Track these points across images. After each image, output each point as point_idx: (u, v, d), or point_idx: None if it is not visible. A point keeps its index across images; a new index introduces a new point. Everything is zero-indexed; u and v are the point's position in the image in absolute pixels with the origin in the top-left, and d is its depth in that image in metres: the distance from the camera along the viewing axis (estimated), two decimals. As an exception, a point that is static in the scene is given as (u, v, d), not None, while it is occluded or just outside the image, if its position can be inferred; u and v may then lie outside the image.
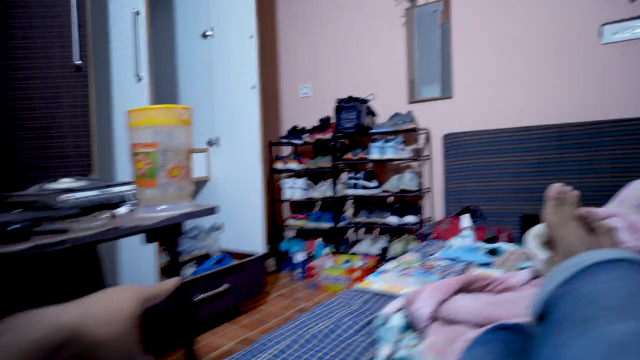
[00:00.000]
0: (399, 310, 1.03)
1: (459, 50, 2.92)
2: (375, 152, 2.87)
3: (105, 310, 0.42)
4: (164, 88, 3.06)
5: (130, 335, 0.43)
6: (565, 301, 0.45)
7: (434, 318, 0.91)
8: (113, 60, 1.97)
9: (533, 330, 0.51)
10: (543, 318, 0.49)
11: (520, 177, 2.65)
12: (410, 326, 0.96)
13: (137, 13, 1.84)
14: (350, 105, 2.94)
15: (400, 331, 0.95)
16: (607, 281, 0.43)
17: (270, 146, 3.51)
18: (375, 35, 3.26)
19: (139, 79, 1.84)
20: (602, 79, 2.48)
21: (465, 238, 1.46)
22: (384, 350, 0.87)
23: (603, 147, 2.40)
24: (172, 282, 0.54)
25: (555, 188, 1.01)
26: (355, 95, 3.24)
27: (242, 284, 2.51)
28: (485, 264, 1.39)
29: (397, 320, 0.98)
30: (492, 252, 1.53)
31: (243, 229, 2.72)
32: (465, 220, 1.48)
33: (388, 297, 1.19)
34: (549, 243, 1.08)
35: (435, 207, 3.07)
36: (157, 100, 3.04)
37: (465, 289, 0.97)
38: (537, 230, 1.09)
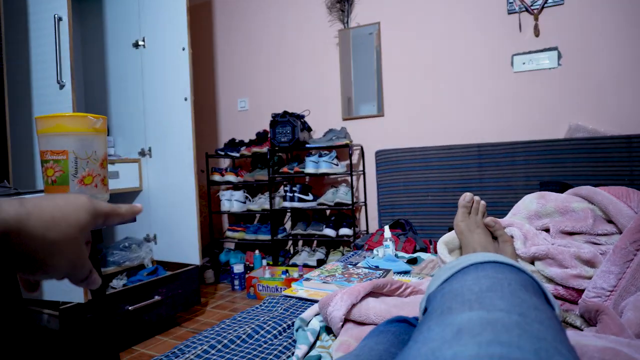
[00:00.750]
0: (317, 314, 1.09)
1: (388, 71, 3.09)
2: (310, 166, 2.94)
3: (52, 211, 0.39)
4: (94, 96, 2.96)
5: (79, 243, 0.41)
6: (438, 297, 0.52)
7: (347, 320, 0.96)
8: (33, 66, 1.89)
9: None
10: (425, 312, 0.56)
11: (446, 192, 2.82)
12: (329, 328, 1.01)
13: (60, 19, 1.79)
14: (286, 120, 3.00)
15: (317, 333, 1.00)
16: (472, 280, 0.50)
17: (208, 158, 3.49)
18: (311, 54, 3.37)
19: (62, 86, 1.78)
20: (515, 104, 2.72)
21: (386, 248, 1.55)
22: (300, 350, 0.91)
23: (517, 166, 2.62)
24: (128, 207, 0.49)
25: (466, 197, 1.11)
26: (291, 110, 3.31)
27: (177, 295, 2.47)
28: (405, 272, 1.48)
29: (316, 323, 1.03)
30: (413, 261, 1.63)
31: (178, 240, 2.67)
32: (387, 232, 1.57)
33: (310, 303, 1.24)
34: (459, 249, 1.18)
35: (369, 220, 3.18)
36: (86, 108, 2.94)
37: (377, 293, 1.04)
38: (445, 238, 1.19)
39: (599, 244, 1.00)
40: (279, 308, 1.22)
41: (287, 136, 3.00)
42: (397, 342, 0.66)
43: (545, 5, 2.61)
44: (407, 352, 0.40)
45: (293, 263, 3.13)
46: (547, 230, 1.09)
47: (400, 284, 1.06)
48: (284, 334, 1.04)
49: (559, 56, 2.60)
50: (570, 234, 1.04)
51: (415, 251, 2.39)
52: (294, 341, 0.98)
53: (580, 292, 0.93)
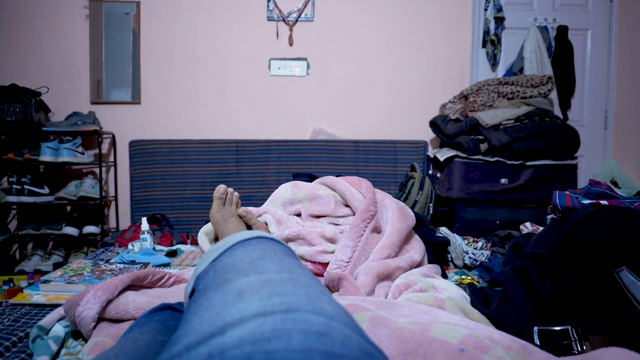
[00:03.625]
0: (61, 318, 0.93)
1: (147, 57, 2.90)
2: (47, 154, 2.50)
3: None
4: None
5: None
6: (209, 274, 0.52)
7: (101, 319, 0.86)
8: None
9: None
10: (193, 293, 0.55)
11: (204, 186, 2.83)
12: (77, 332, 0.88)
13: None
14: (15, 96, 2.47)
15: (62, 340, 0.86)
16: (242, 253, 0.54)
17: None
18: (53, 21, 2.86)
19: None
20: (270, 104, 2.95)
21: (144, 242, 1.45)
22: (38, 364, 0.76)
23: (270, 162, 2.84)
24: None
25: (220, 189, 1.14)
26: (22, 84, 2.74)
27: None
28: (165, 265, 1.42)
29: (60, 329, 0.88)
30: (173, 254, 1.57)
31: None
32: (144, 224, 1.47)
33: (50, 309, 1.05)
34: (216, 239, 1.20)
35: (121, 216, 2.91)
36: None
37: (137, 285, 0.97)
38: (205, 228, 1.20)
39: (339, 224, 1.18)
40: (5, 320, 0.99)
41: (15, 115, 2.46)
42: (163, 329, 0.63)
43: (299, 19, 2.92)
44: (187, 324, 0.39)
45: (20, 270, 2.59)
46: (299, 215, 1.22)
47: (164, 273, 1.01)
48: (14, 349, 0.85)
49: (308, 66, 2.95)
50: (317, 217, 1.20)
51: (172, 245, 2.32)
52: (31, 354, 0.82)
53: (325, 265, 1.07)
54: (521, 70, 2.93)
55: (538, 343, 0.78)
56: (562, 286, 0.88)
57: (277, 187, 1.37)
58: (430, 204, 2.50)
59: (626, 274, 0.87)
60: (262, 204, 1.34)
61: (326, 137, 2.91)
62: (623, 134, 3.01)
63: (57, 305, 1.06)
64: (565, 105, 3.00)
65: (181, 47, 2.91)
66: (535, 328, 0.80)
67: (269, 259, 0.49)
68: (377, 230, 1.13)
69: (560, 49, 2.99)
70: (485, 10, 2.96)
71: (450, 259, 1.38)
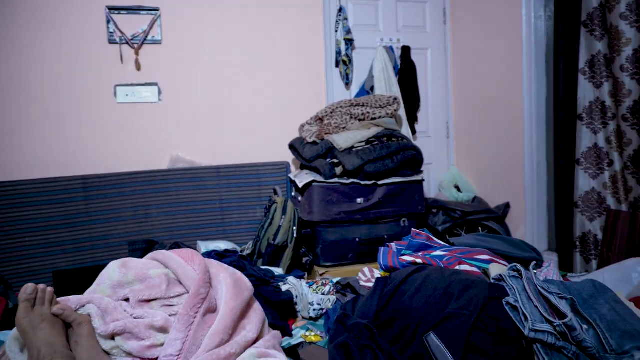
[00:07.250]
0: None
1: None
2: None
3: None
4: None
5: None
6: None
7: None
8: None
9: None
10: None
11: (48, 230, 2.52)
12: None
13: None
14: None
15: None
16: None
17: None
18: None
19: None
20: (120, 134, 2.71)
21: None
22: None
23: (125, 197, 2.62)
24: None
25: (27, 289, 1.00)
26: None
27: None
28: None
29: None
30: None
31: None
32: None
33: None
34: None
35: (-60, 275, 2.46)
36: None
37: None
38: (15, 333, 1.05)
39: (173, 305, 1.12)
40: None
41: None
42: None
43: (145, 41, 2.72)
44: None
45: None
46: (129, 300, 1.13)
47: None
48: None
49: (160, 92, 2.77)
50: (149, 301, 1.12)
51: (6, 310, 2.02)
52: None
53: (156, 360, 1.01)
54: (372, 88, 3.11)
55: None
56: (379, 357, 0.94)
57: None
58: (294, 227, 2.54)
59: (432, 338, 0.95)
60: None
61: (185, 165, 2.78)
62: (461, 142, 3.38)
63: None
64: (412, 118, 3.26)
65: (4, 72, 2.53)
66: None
67: None
68: (211, 310, 1.09)
69: (405, 67, 3.24)
70: (336, 32, 3.08)
71: (298, 310, 1.41)
